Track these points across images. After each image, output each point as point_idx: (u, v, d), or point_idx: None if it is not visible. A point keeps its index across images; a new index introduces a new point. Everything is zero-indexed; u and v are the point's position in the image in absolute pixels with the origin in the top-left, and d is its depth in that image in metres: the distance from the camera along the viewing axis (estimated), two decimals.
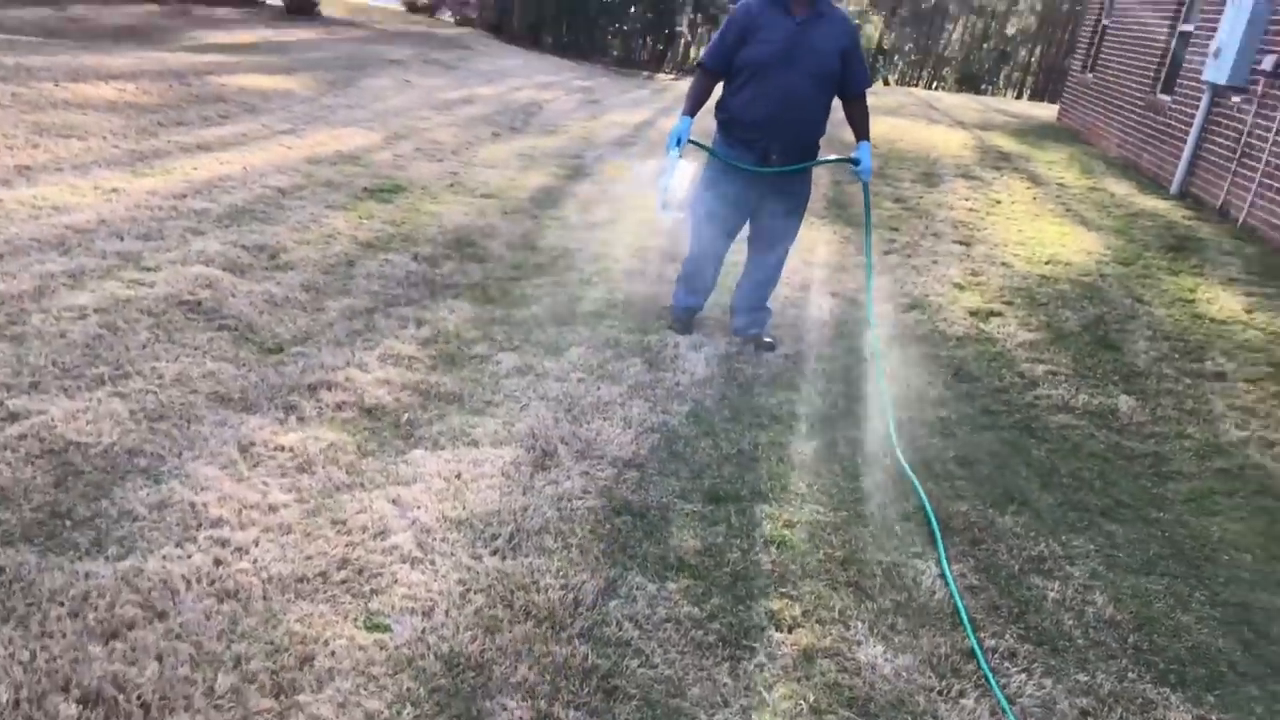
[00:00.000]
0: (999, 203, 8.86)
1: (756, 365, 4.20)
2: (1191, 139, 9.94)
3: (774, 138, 4.07)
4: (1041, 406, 4.31)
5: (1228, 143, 9.25)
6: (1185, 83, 10.54)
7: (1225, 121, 9.39)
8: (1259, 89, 8.73)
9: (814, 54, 3.98)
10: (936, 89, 30.79)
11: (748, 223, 4.31)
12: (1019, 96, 34.04)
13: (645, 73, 21.57)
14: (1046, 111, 18.74)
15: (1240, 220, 8.57)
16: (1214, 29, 9.89)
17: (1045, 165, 11.03)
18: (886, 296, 5.66)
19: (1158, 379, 4.76)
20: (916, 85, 32.85)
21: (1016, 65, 35.35)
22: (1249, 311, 5.94)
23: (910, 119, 14.27)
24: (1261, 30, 8.93)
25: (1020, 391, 4.46)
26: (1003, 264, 6.72)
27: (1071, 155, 11.99)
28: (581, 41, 24.50)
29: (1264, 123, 8.52)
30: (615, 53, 26.54)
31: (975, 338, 5.14)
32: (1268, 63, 8.57)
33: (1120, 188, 10.02)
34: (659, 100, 15.03)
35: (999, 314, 5.58)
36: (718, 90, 4.19)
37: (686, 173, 3.92)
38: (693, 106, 4.04)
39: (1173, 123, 10.77)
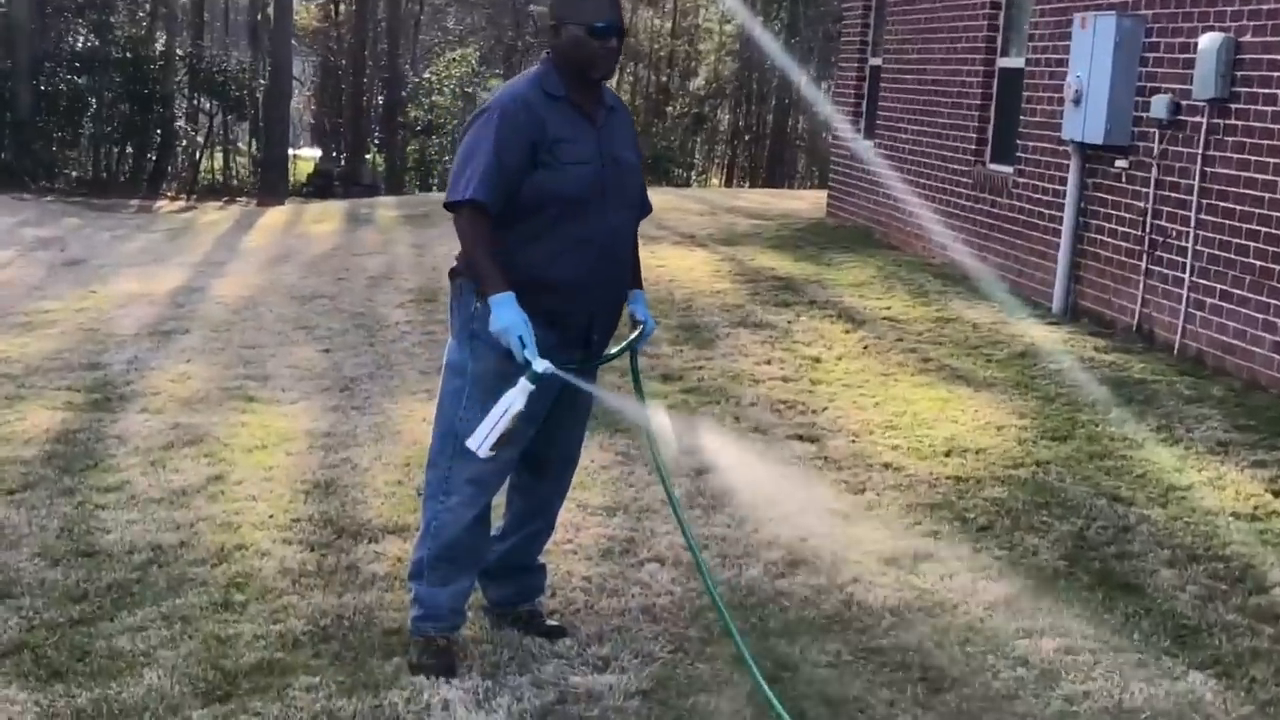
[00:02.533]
0: (819, 361, 9.32)
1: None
2: (1067, 229, 11.24)
3: (596, 307, 4.44)
4: (1083, 719, 4.30)
5: (1124, 229, 10.54)
6: (1032, 145, 12.02)
7: (1111, 198, 10.75)
8: (1154, 146, 10.12)
9: (625, 170, 4.47)
10: None
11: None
12: (728, 182, 37.74)
13: (134, 201, 21.39)
14: (801, 202, 20.70)
15: (1176, 346, 9.67)
16: (1061, 64, 11.44)
17: (852, 292, 11.92)
18: (739, 553, 5.61)
19: (1223, 633, 4.97)
20: None
21: (714, 136, 39.33)
22: (1276, 493, 6.54)
23: None
24: (1136, 60, 10.45)
25: (1037, 694, 4.44)
26: (885, 466, 6.95)
27: (880, 270, 13.12)
28: (13, 162, 24.20)
29: (1173, 195, 9.83)
30: (75, 173, 26.51)
31: (915, 606, 5.15)
32: (1159, 106, 9.98)
33: (978, 314, 11.02)
34: (187, 244, 14.92)
35: (928, 556, 5.68)
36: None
37: (525, 396, 4.19)
38: (503, 271, 4.22)
39: (1026, 206, 12.19)
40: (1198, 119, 9.55)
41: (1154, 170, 10.08)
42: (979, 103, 13.47)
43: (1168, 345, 9.77)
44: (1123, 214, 10.57)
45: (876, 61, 16.70)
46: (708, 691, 4.42)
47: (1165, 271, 9.95)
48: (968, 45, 13.79)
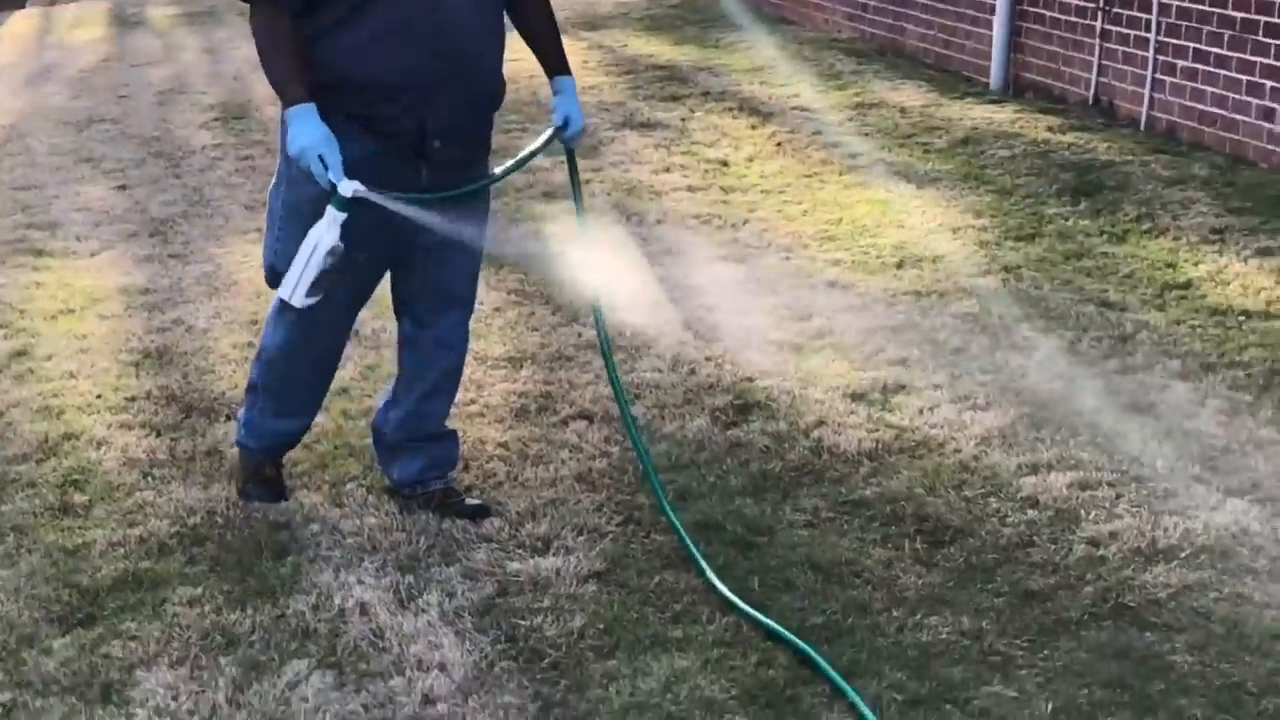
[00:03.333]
0: (726, 164, 9.28)
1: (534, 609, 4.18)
2: None
3: (430, 109, 4.27)
4: (1114, 566, 4.37)
5: None
6: None
7: None
8: None
9: None
10: None
11: (385, 280, 4.69)
12: None
13: None
14: None
15: (1143, 120, 9.78)
16: None
17: (751, 78, 11.84)
18: (678, 400, 5.60)
19: (1258, 451, 5.10)
20: None
21: None
22: None
23: None
24: None
25: (1054, 539, 4.52)
26: (830, 285, 6.97)
27: (780, 50, 13.06)
28: None
29: None
30: None
31: (896, 447, 5.20)
32: None
33: (904, 95, 11.04)
34: None
35: (900, 388, 5.72)
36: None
37: (336, 228, 4.13)
38: (302, 78, 4.14)
39: None
40: None
41: None
42: None
43: (1132, 119, 9.88)
44: None
45: None
46: (673, 567, 4.42)
47: (1125, 32, 10.01)
48: None
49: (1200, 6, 9.23)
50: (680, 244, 7.67)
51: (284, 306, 4.39)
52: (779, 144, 9.79)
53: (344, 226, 4.11)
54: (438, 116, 4.28)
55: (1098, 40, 10.25)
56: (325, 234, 4.09)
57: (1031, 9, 11.03)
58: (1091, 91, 10.33)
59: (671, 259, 7.42)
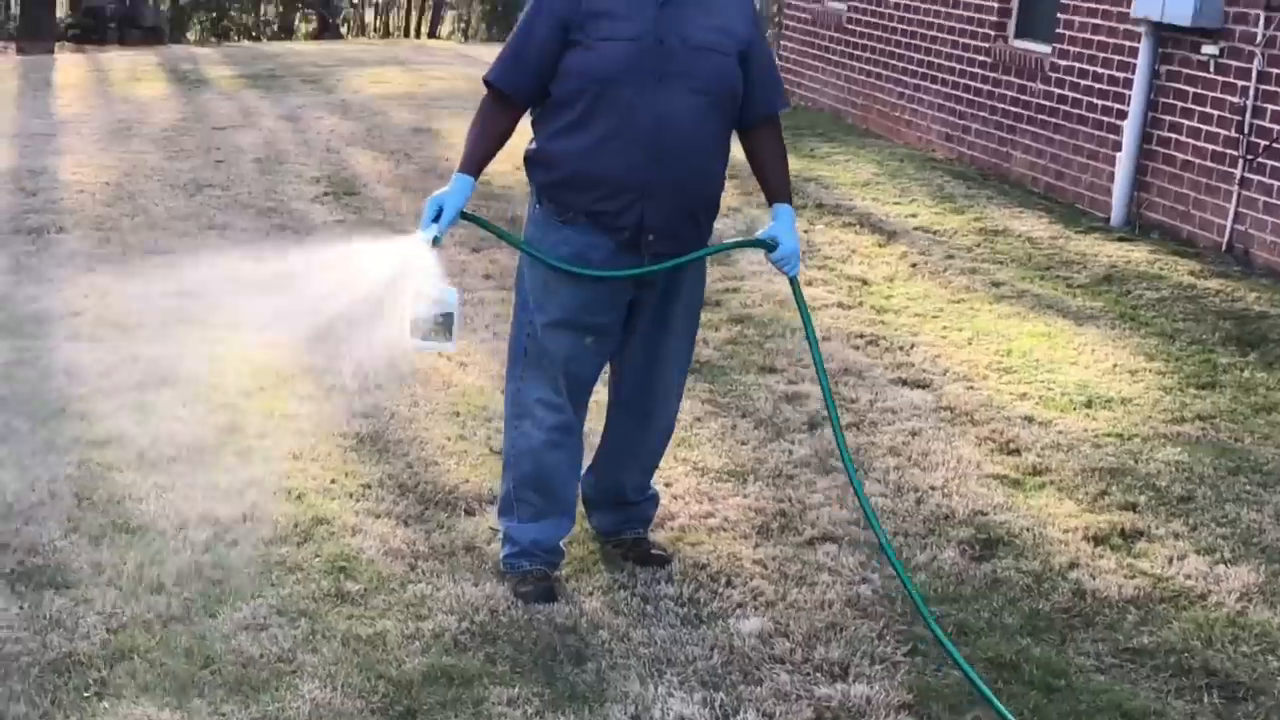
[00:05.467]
0: (866, 283, 9.49)
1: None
2: (1132, 126, 11.51)
3: (649, 206, 4.79)
4: None
5: (1211, 129, 10.85)
6: (1080, 20, 12.19)
7: (1195, 91, 11.02)
8: (1256, 31, 10.41)
9: (698, 53, 4.75)
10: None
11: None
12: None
13: None
14: None
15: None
16: None
17: (862, 194, 12.11)
18: (919, 530, 5.76)
19: None
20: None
21: None
22: None
23: None
24: None
25: None
26: (1026, 419, 7.13)
27: (881, 166, 13.33)
28: None
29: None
30: None
31: (1157, 596, 5.34)
32: None
33: (1026, 224, 11.29)
34: None
35: (1139, 534, 5.87)
36: (522, 130, 4.96)
37: (428, 265, 4.68)
38: (479, 159, 4.83)
39: (1070, 94, 12.42)
40: None
41: (1256, 60, 10.38)
42: None
43: (1273, 270, 10.13)
44: (1209, 110, 10.86)
45: None
46: (981, 704, 4.55)
47: (1268, 182, 10.27)
48: None
49: None
50: (854, 363, 7.85)
51: (521, 394, 5.01)
52: (913, 265, 10.00)
53: (548, 302, 4.84)
54: (655, 214, 4.79)
55: (1236, 187, 10.51)
56: (421, 280, 4.64)
57: (1161, 149, 11.31)
58: (1226, 238, 10.59)
59: (853, 379, 7.59)
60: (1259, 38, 10.33)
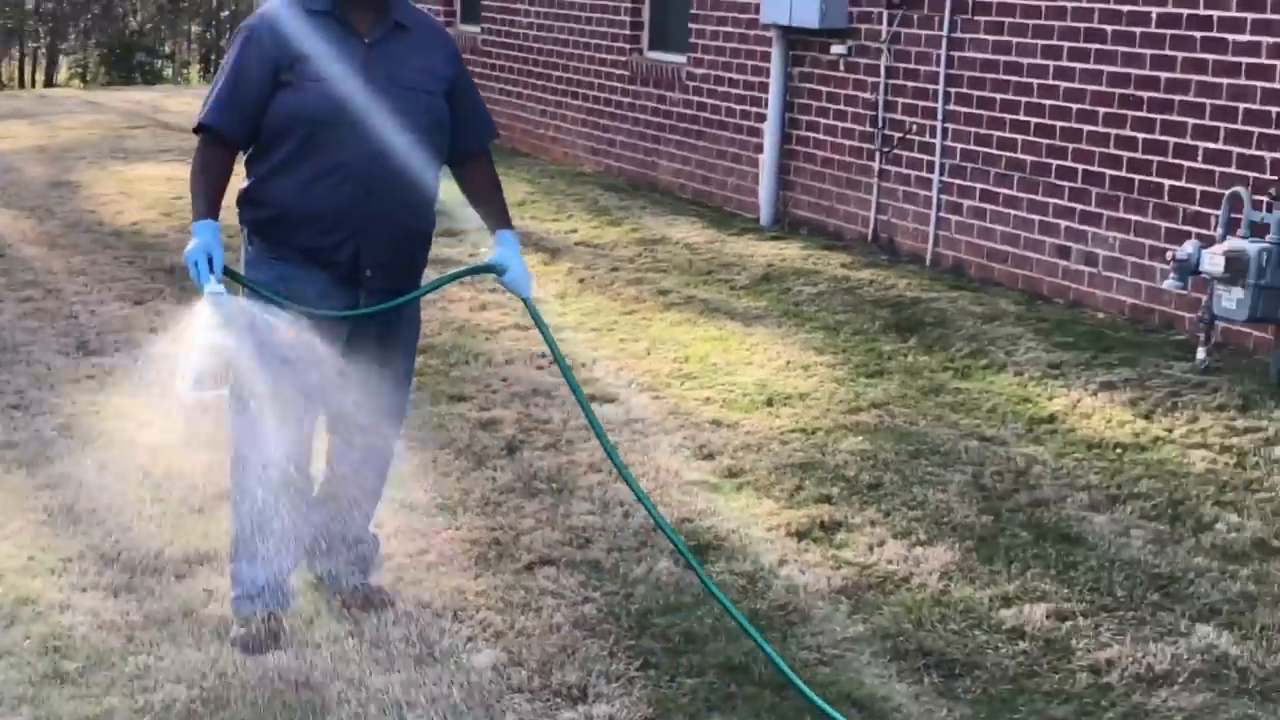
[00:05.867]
0: (539, 303, 9.50)
1: None
2: (771, 128, 11.84)
3: (364, 241, 4.84)
4: (1121, 692, 4.76)
5: (847, 125, 11.23)
6: (711, 29, 12.43)
7: (827, 90, 11.40)
8: (881, 29, 10.80)
9: (406, 93, 4.85)
10: None
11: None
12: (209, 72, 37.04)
13: None
14: None
15: (928, 256, 10.45)
16: None
17: (519, 212, 12.13)
18: (630, 543, 5.82)
19: (1201, 579, 5.59)
20: None
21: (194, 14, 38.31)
22: (1146, 415, 7.32)
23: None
24: None
25: (1056, 669, 4.88)
26: (714, 423, 7.27)
27: (534, 184, 13.45)
28: None
29: (910, 85, 10.48)
30: None
31: (865, 584, 5.51)
32: None
33: (682, 231, 11.53)
34: None
35: (838, 525, 6.04)
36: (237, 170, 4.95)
37: (228, 316, 4.60)
38: (213, 202, 4.77)
39: (708, 101, 12.70)
40: None
41: (883, 56, 10.79)
42: None
43: (916, 255, 10.55)
44: (843, 108, 11.27)
45: None
46: (718, 710, 4.62)
47: (905, 172, 10.71)
48: None
49: (986, 149, 9.97)
50: (541, 384, 7.88)
51: (232, 437, 4.92)
52: (581, 280, 10.11)
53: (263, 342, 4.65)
54: (370, 249, 4.82)
55: (876, 180, 10.92)
56: (200, 329, 4.53)
57: (801, 148, 11.67)
58: (871, 228, 10.97)
59: (542, 399, 7.61)
60: (884, 35, 10.75)
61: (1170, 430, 7.17)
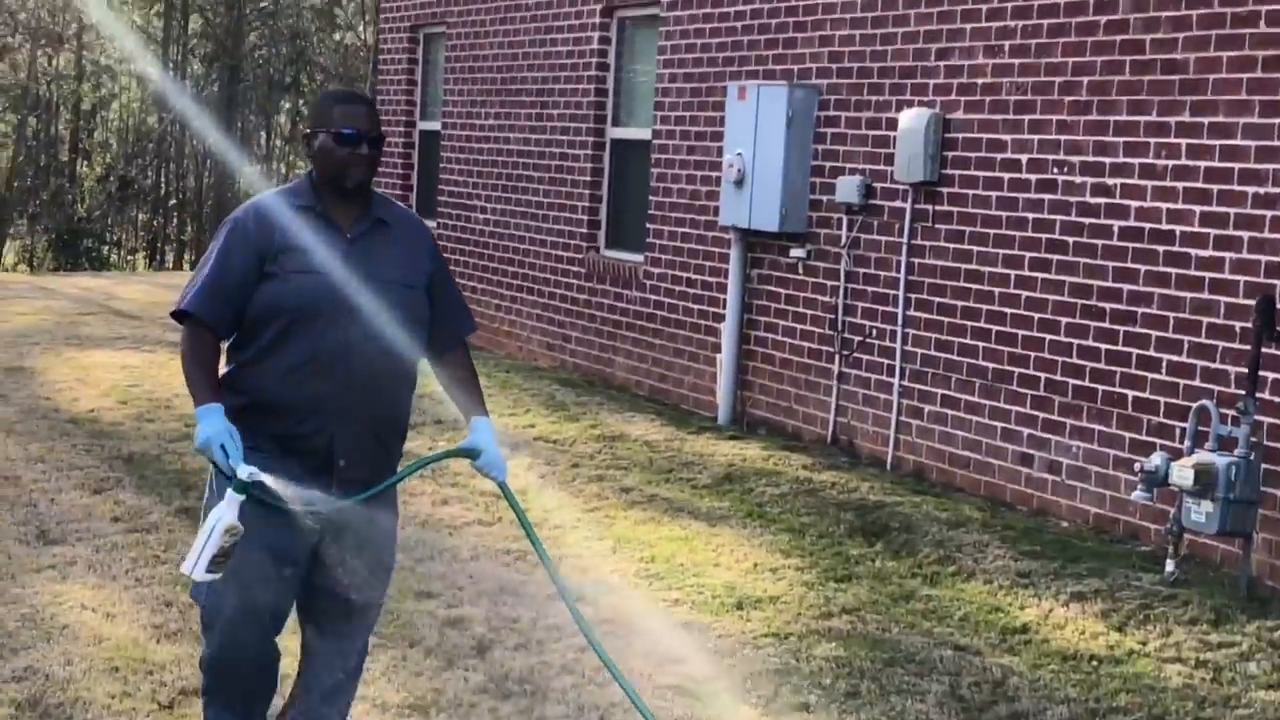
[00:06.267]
0: (500, 499, 9.40)
1: None
2: (730, 328, 11.87)
3: (339, 432, 4.87)
4: None
5: (805, 328, 11.27)
6: (669, 230, 12.48)
7: (786, 292, 11.45)
8: (840, 233, 10.89)
9: (386, 287, 4.92)
10: None
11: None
12: (154, 261, 37.01)
13: None
14: None
15: (889, 460, 10.43)
16: (701, 138, 12.04)
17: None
18: None
19: None
20: None
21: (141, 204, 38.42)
22: (1119, 628, 7.25)
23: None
24: (811, 137, 11.23)
25: None
26: (685, 625, 7.16)
27: (489, 377, 13.33)
28: None
29: (870, 289, 10.52)
30: None
31: None
32: (849, 190, 10.77)
33: (639, 428, 11.48)
34: None
35: None
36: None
37: (234, 508, 4.59)
38: (213, 385, 4.82)
39: (665, 300, 12.73)
40: (898, 203, 10.41)
41: (843, 260, 10.86)
42: (589, 178, 14.00)
43: (877, 459, 10.52)
44: (801, 310, 11.32)
45: (432, 126, 16.97)
46: None
47: (865, 375, 10.73)
48: (569, 111, 14.29)
49: (947, 355, 10.01)
50: (508, 581, 7.75)
51: (208, 621, 4.87)
52: (542, 476, 10.02)
53: (259, 534, 4.65)
54: (343, 440, 4.85)
55: (835, 382, 10.93)
56: (225, 513, 4.52)
57: (759, 349, 11.69)
58: (830, 430, 10.96)
59: (510, 597, 7.48)
60: (844, 240, 10.82)
61: (1144, 643, 7.10)
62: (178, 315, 4.87)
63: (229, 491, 4.56)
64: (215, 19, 38.22)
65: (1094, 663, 6.85)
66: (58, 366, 13.50)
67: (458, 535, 8.62)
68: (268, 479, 4.60)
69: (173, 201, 38.72)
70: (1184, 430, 8.01)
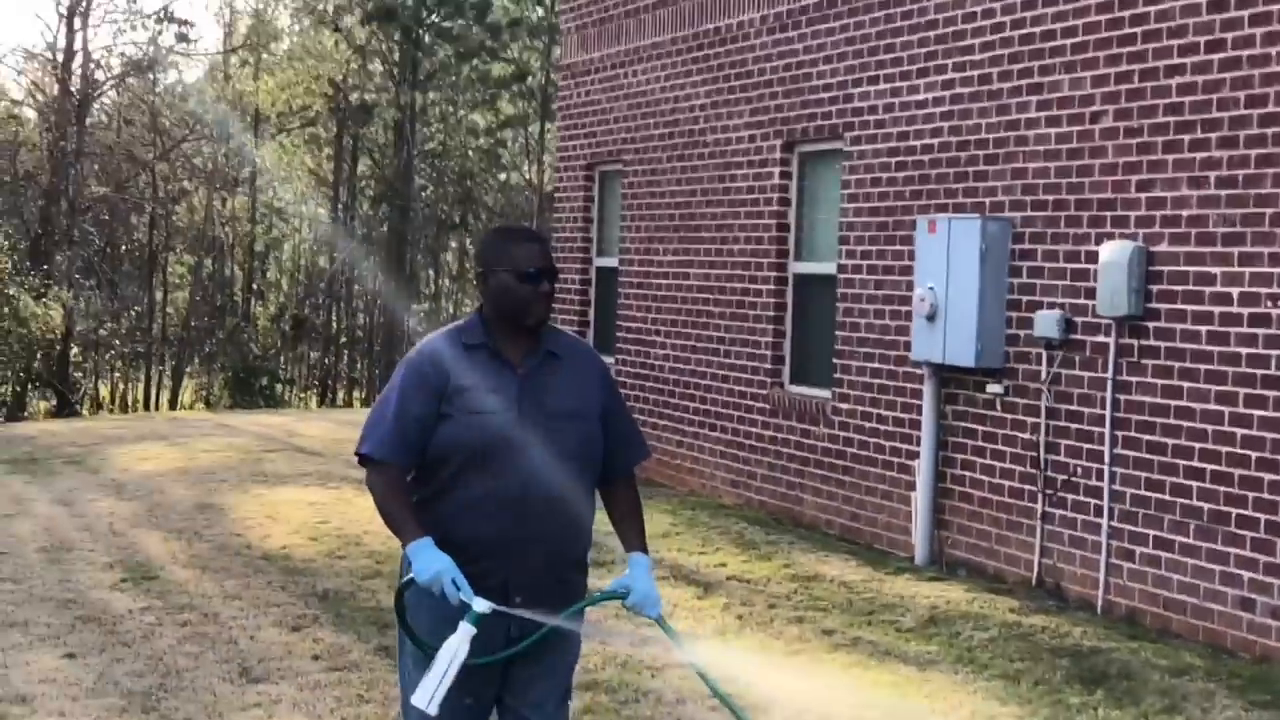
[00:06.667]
0: (698, 639, 9.19)
1: None
2: (925, 465, 11.58)
3: (515, 568, 4.89)
4: None
5: (1006, 465, 10.95)
6: (858, 365, 12.30)
7: (984, 429, 11.16)
8: (1039, 369, 10.62)
9: (557, 421, 4.95)
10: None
11: None
12: (326, 399, 37.42)
13: None
14: None
15: (1099, 604, 10.05)
16: (889, 272, 11.88)
17: (665, 545, 11.91)
18: None
19: None
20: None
21: (312, 343, 38.97)
22: None
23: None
24: (1005, 270, 11.00)
25: None
26: None
27: (675, 515, 13.22)
28: None
29: (1074, 426, 10.24)
30: None
31: None
32: (1048, 324, 10.51)
33: (835, 568, 11.21)
34: None
35: None
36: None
37: (468, 640, 4.69)
38: (417, 519, 4.85)
39: (855, 436, 12.49)
40: (1101, 338, 10.11)
41: (1044, 396, 10.57)
42: (771, 313, 13.84)
43: (1086, 602, 10.15)
44: (1000, 447, 11.01)
45: (609, 262, 16.96)
46: None
47: (1071, 515, 10.38)
48: (749, 246, 14.17)
49: (1159, 495, 9.65)
50: None
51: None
52: (739, 617, 9.79)
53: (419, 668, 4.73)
54: (520, 575, 4.87)
55: (1039, 522, 10.59)
56: (461, 645, 4.62)
57: (956, 487, 11.38)
58: (1035, 572, 10.61)
59: None
60: (1044, 375, 10.54)
61: None
62: (362, 459, 4.93)
63: (463, 623, 4.62)
64: (383, 161, 38.96)
65: None
66: (246, 503, 13.56)
67: (660, 677, 8.40)
68: (499, 607, 4.68)
69: (343, 339, 39.31)
70: None
